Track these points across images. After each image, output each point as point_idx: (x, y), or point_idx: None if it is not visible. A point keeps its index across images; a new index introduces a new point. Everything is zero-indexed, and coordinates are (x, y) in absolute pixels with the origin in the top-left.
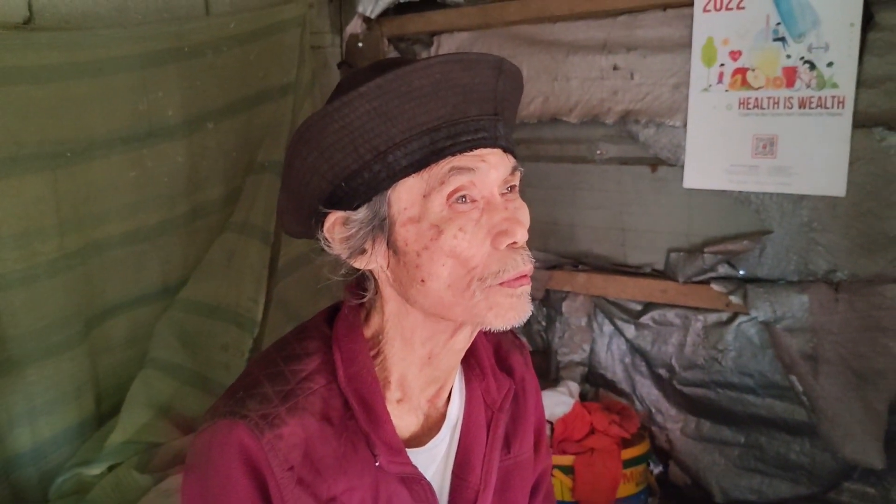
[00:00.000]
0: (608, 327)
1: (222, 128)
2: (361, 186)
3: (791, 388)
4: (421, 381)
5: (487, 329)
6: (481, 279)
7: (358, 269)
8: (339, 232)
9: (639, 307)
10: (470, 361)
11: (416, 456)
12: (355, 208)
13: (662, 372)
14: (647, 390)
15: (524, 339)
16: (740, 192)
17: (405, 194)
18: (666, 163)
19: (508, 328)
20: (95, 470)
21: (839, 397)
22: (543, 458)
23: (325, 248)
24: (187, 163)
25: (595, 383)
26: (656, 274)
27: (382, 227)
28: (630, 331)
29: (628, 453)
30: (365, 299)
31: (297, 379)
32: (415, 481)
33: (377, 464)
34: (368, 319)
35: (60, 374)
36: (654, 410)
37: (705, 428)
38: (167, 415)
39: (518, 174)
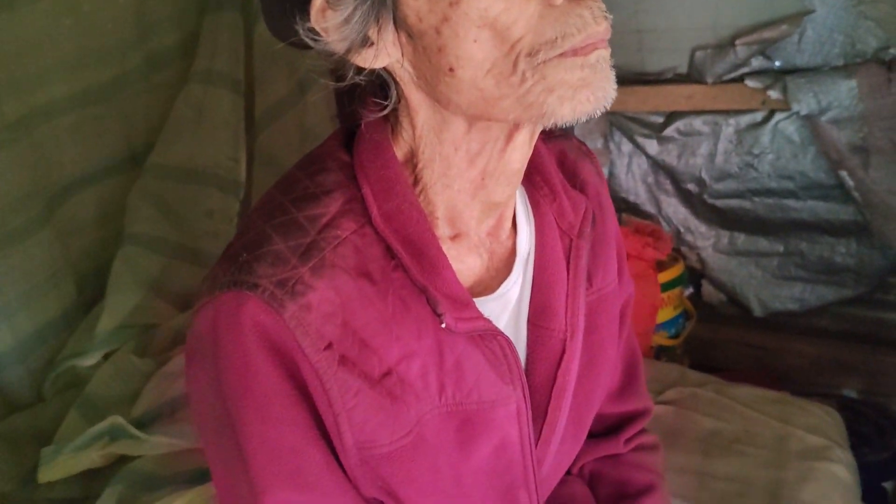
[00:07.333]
0: (627, 146)
1: None
2: None
3: (838, 186)
4: (475, 212)
5: (552, 124)
6: (531, 54)
7: (369, 70)
8: (331, 18)
9: (661, 119)
10: (534, 178)
11: (485, 305)
12: None
13: (691, 187)
14: (674, 209)
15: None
16: None
17: None
18: None
19: (581, 119)
20: (89, 360)
21: (893, 188)
22: (626, 285)
23: (314, 45)
24: (132, 4)
25: (617, 208)
26: (680, 78)
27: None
28: (652, 147)
29: (664, 276)
30: (387, 109)
31: (318, 227)
32: (489, 338)
33: (443, 325)
34: (395, 138)
35: (30, 262)
36: (682, 230)
37: (740, 241)
38: (158, 293)
39: None
